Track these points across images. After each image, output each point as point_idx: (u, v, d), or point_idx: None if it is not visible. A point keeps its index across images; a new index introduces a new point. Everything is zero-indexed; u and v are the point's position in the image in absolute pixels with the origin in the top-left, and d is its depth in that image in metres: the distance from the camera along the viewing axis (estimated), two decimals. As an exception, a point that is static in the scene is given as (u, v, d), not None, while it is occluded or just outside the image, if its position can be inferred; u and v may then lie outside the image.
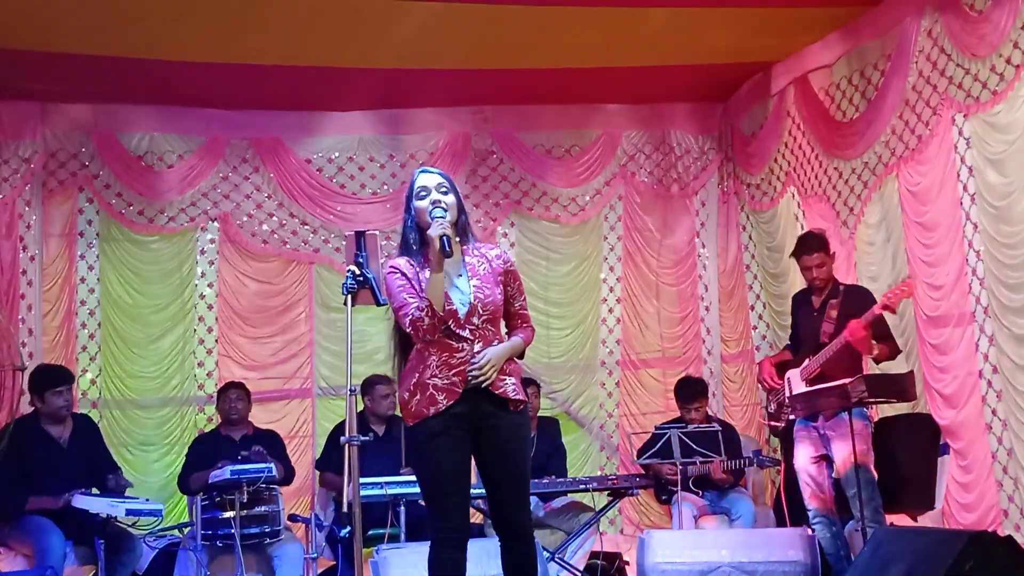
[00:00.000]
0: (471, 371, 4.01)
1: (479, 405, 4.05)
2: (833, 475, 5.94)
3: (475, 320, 4.07)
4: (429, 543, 4.06)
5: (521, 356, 4.25)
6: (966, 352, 6.25)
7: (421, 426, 4.04)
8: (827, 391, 5.72)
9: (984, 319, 6.13)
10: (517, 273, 4.30)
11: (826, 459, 5.94)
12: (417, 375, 4.06)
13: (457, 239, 4.14)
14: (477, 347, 4.05)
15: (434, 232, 4.00)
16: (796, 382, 6.15)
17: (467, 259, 4.18)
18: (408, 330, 4.06)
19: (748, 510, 6.87)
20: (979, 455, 6.19)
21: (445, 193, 4.12)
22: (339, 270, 8.15)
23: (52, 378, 6.40)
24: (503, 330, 4.25)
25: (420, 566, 5.20)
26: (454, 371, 4.02)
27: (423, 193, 4.13)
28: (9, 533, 6.11)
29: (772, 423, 6.46)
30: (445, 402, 4.00)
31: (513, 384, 4.10)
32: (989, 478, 6.13)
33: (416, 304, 4.01)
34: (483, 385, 4.03)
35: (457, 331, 4.03)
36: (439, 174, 4.20)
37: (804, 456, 5.97)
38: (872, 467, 5.75)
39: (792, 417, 6.09)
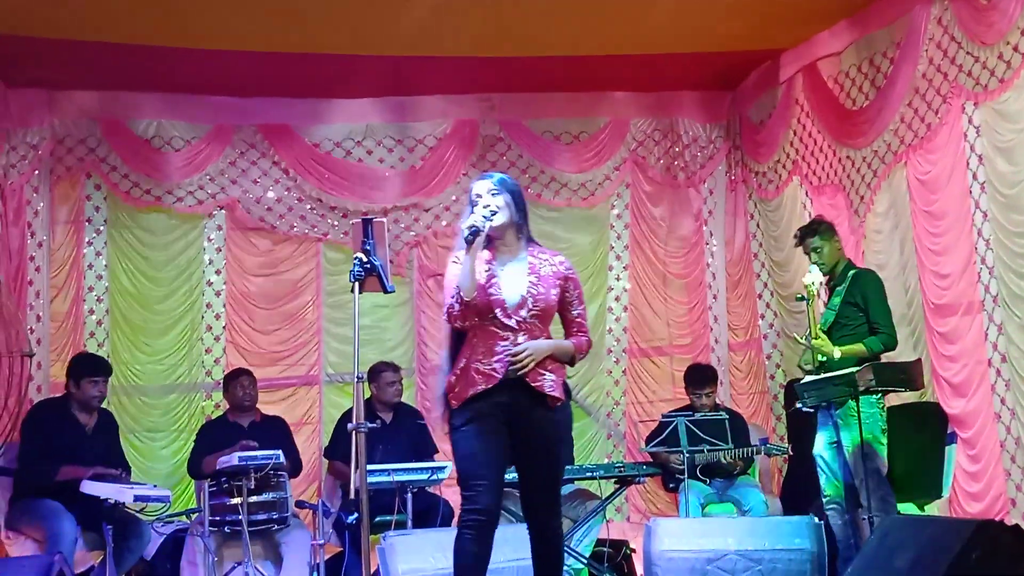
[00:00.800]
0: (508, 357, 4.12)
1: (517, 397, 4.16)
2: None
3: (523, 313, 4.19)
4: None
5: (571, 362, 4.35)
6: (975, 341, 6.24)
7: (460, 410, 4.17)
8: (835, 379, 5.69)
9: (993, 308, 6.11)
10: (578, 281, 4.42)
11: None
12: (464, 360, 4.19)
13: (520, 238, 4.33)
14: (521, 339, 4.16)
15: (464, 223, 4.18)
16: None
17: (530, 259, 4.31)
18: (444, 318, 4.21)
19: (759, 500, 6.87)
20: (987, 444, 6.18)
21: (495, 195, 4.27)
22: (345, 245, 8.18)
23: (92, 367, 6.53)
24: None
25: (427, 552, 5.24)
26: (496, 358, 4.14)
27: (476, 199, 4.30)
28: (20, 518, 6.16)
29: (806, 408, 6.33)
30: (483, 385, 4.12)
31: (552, 381, 4.19)
32: (997, 467, 6.12)
33: (452, 293, 4.17)
34: (519, 374, 4.13)
35: (504, 320, 4.16)
36: (491, 178, 4.35)
37: (821, 441, 5.92)
38: (882, 457, 5.70)
39: (798, 405, 6.05)
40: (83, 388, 6.41)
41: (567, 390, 4.34)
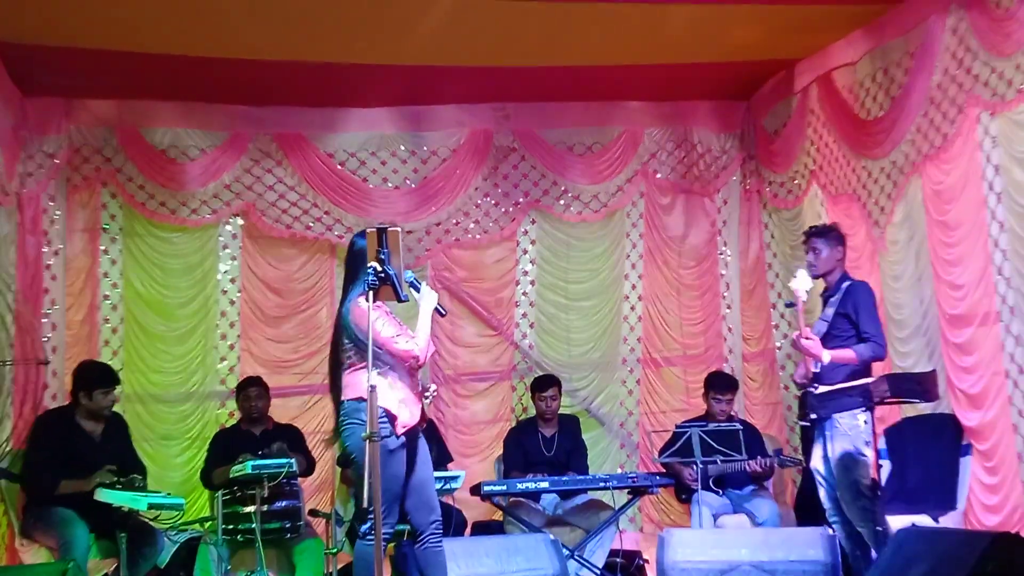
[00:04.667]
0: None
1: None
2: None
3: None
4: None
5: None
6: (991, 352, 6.20)
7: None
8: (848, 391, 5.66)
9: (1010, 319, 6.07)
10: None
11: None
12: None
13: None
14: None
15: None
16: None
17: None
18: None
19: (773, 512, 6.84)
20: (1005, 456, 6.13)
21: None
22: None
23: (104, 378, 6.45)
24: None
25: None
26: None
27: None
28: (34, 525, 6.17)
29: (803, 422, 6.33)
30: None
31: None
32: (1014, 479, 6.08)
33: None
34: None
35: None
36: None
37: (816, 455, 5.92)
38: (859, 468, 5.65)
39: (813, 416, 6.02)
40: (96, 399, 6.35)
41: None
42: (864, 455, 5.65)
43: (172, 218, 8.19)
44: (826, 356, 5.71)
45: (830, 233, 6.05)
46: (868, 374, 5.81)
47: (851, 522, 5.80)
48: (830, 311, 5.89)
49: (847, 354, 5.75)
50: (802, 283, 5.78)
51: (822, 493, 5.92)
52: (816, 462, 5.93)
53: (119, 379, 6.71)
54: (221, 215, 8.30)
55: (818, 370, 5.80)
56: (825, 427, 5.82)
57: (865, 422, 5.69)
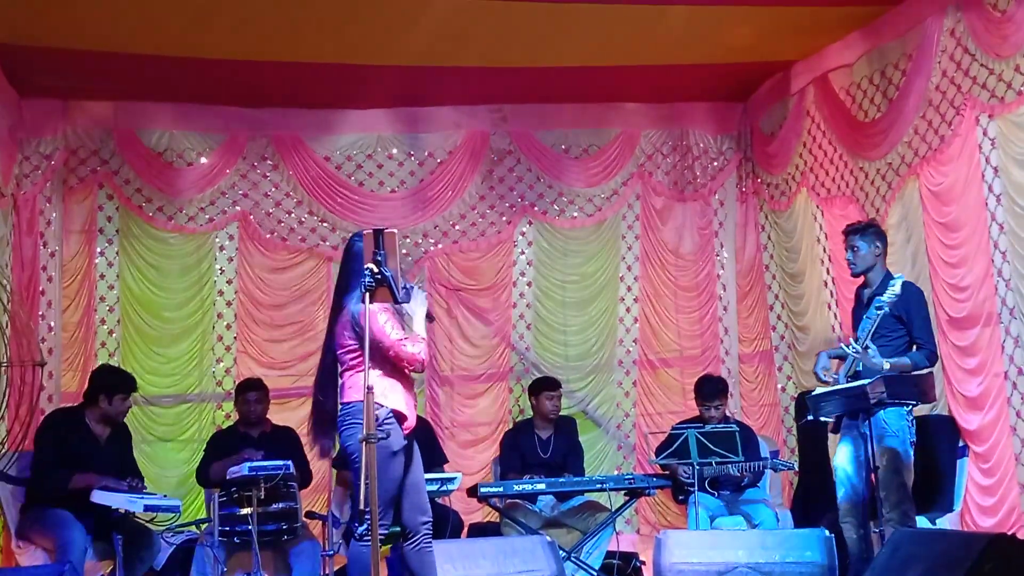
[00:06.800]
0: None
1: None
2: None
3: None
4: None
5: None
6: (991, 354, 6.19)
7: None
8: (848, 392, 5.63)
9: (1010, 320, 6.07)
10: None
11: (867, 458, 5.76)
12: None
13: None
14: None
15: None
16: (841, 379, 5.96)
17: None
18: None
19: (769, 514, 6.83)
20: (1002, 458, 6.14)
21: None
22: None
23: (126, 384, 6.46)
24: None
25: (437, 563, 5.24)
26: None
27: None
28: (31, 527, 6.16)
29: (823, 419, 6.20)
30: None
31: None
32: (1012, 481, 6.08)
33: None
34: None
35: None
36: None
37: (844, 454, 5.76)
38: (907, 470, 5.57)
39: (811, 417, 5.95)
40: (115, 404, 6.36)
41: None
42: (911, 456, 5.59)
43: (168, 224, 8.19)
44: (886, 364, 5.57)
45: (868, 230, 5.89)
46: None
47: (865, 524, 5.71)
48: (876, 310, 5.67)
49: (904, 362, 5.64)
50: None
51: (840, 492, 5.76)
52: (843, 461, 5.76)
53: (137, 386, 6.72)
54: (218, 223, 8.29)
55: (860, 368, 5.66)
56: (863, 427, 5.73)
57: (910, 423, 5.61)
